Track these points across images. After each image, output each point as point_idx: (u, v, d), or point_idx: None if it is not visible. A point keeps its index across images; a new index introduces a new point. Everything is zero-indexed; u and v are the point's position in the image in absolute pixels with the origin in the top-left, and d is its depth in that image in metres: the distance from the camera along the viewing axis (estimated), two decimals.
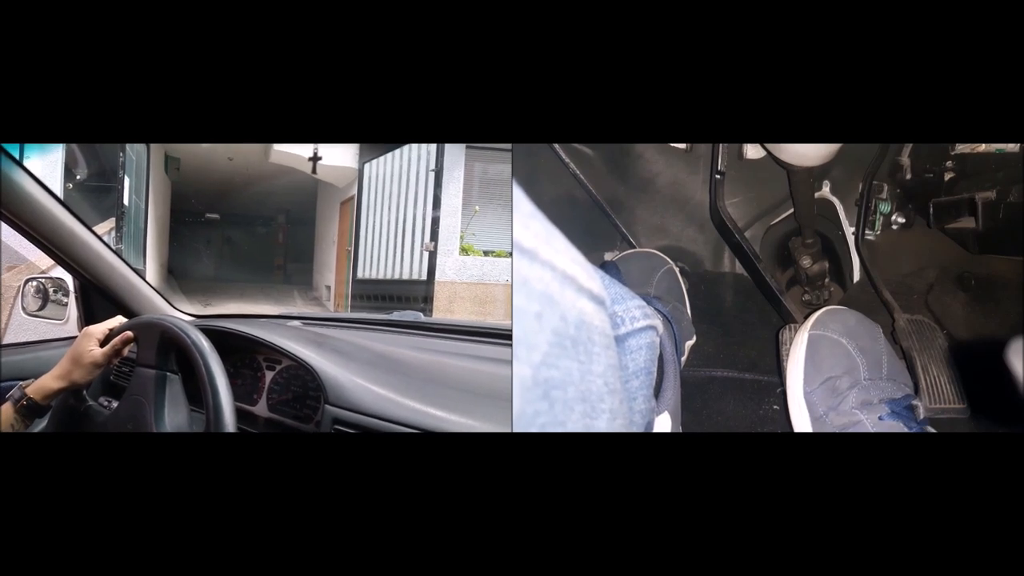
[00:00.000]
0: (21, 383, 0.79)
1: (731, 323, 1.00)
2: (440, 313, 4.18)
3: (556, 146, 1.03)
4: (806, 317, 0.76)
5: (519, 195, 0.36)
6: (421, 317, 1.15)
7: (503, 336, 0.97)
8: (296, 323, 1.11)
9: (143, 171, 4.78)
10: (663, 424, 0.60)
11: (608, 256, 1.02)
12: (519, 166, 1.02)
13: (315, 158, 4.90)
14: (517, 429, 0.32)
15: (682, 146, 1.08)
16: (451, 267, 4.29)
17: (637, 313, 0.53)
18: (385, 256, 4.76)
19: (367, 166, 4.99)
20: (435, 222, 4.28)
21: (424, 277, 4.30)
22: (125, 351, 0.81)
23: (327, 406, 0.75)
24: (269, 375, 0.92)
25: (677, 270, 0.92)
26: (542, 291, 0.33)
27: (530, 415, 0.32)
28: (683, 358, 0.81)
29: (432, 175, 4.30)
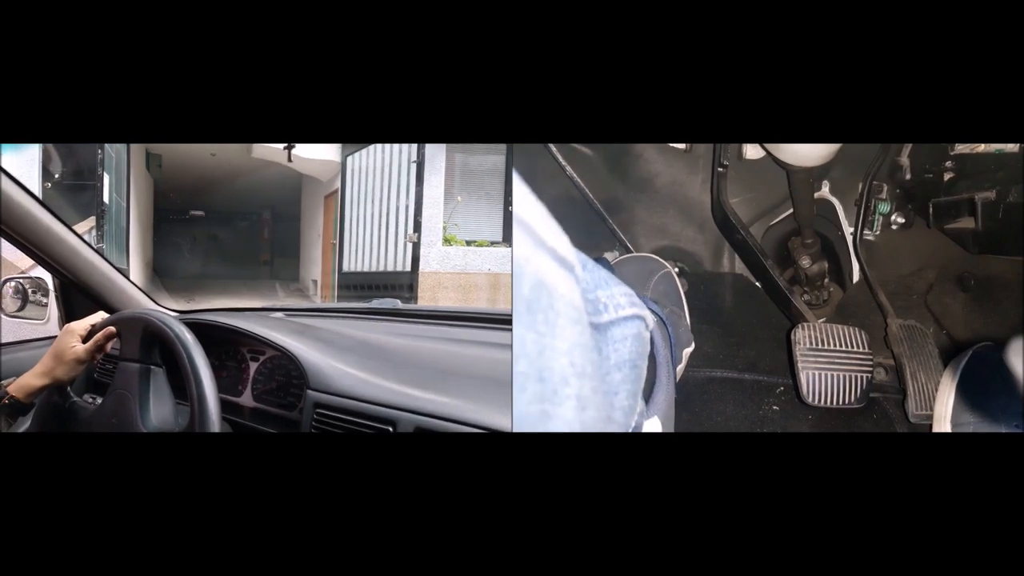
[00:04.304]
0: (2, 382, 0.78)
1: (731, 323, 1.00)
2: (424, 302, 4.23)
3: (552, 148, 1.03)
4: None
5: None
6: (399, 304, 1.17)
7: (478, 320, 0.99)
8: (279, 315, 1.12)
9: (123, 169, 4.72)
10: (652, 429, 0.56)
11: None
12: (519, 166, 1.02)
13: (289, 147, 4.88)
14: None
15: (681, 146, 1.08)
16: (435, 257, 4.40)
17: (623, 300, 0.49)
18: (370, 248, 4.84)
19: (349, 159, 5.03)
20: (418, 213, 4.33)
21: (408, 268, 4.40)
22: (108, 347, 0.81)
23: (309, 391, 0.76)
24: (253, 366, 0.92)
25: (675, 274, 0.90)
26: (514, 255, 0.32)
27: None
28: (680, 367, 0.78)
29: (414, 167, 4.34)
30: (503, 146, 4.83)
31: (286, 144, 4.87)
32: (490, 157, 4.85)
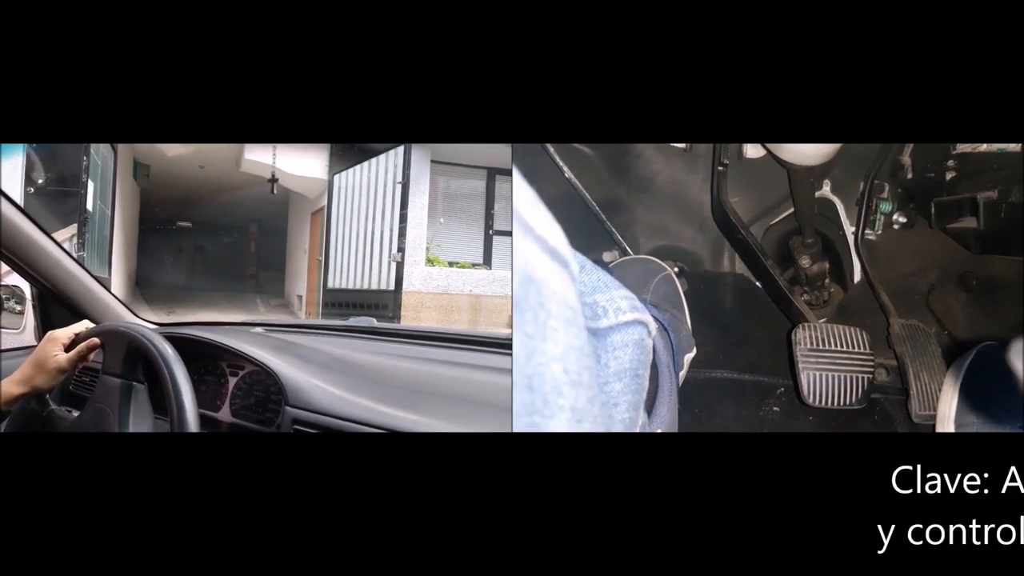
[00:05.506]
0: None
1: (731, 323, 1.00)
2: (407, 321, 4.30)
3: (550, 149, 1.03)
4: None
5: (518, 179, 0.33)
6: (375, 322, 1.19)
7: (455, 340, 1.00)
8: (259, 330, 1.12)
9: (109, 176, 4.68)
10: None
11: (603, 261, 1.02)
12: (519, 166, 1.04)
13: (273, 180, 5.00)
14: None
15: (681, 145, 1.08)
16: (418, 277, 4.47)
17: (623, 304, 0.46)
18: (354, 266, 4.90)
19: (336, 177, 5.10)
20: (402, 233, 4.41)
21: (392, 287, 4.47)
22: (90, 358, 0.79)
23: (287, 407, 0.76)
24: (232, 381, 0.92)
25: (675, 277, 0.89)
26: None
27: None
28: (682, 372, 0.77)
29: (399, 188, 4.40)
30: (484, 170, 4.93)
31: (269, 177, 4.94)
32: (471, 181, 4.94)
